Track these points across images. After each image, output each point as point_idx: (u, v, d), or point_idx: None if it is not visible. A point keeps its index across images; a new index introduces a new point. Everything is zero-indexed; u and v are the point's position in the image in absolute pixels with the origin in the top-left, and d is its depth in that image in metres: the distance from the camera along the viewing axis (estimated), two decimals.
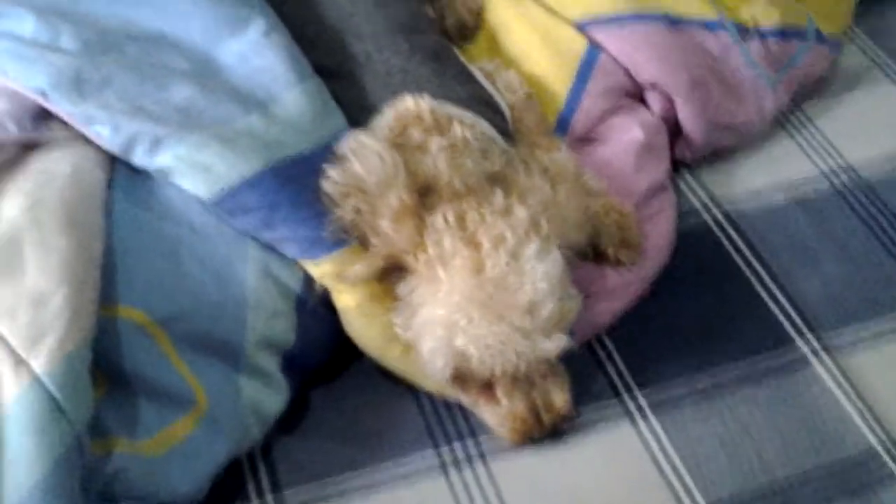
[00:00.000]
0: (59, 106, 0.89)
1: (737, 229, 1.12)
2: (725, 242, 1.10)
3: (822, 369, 1.00)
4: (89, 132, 0.89)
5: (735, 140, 1.20)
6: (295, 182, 0.89)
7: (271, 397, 0.91)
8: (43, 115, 0.91)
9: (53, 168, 0.87)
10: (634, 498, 0.90)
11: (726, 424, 0.95)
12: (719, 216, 1.13)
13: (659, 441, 0.94)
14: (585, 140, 1.13)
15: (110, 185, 0.89)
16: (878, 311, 1.05)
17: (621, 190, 1.07)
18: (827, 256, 1.10)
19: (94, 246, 0.84)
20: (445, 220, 0.86)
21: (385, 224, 0.86)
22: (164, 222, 0.89)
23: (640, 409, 0.96)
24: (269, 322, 0.90)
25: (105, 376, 0.83)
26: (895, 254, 1.11)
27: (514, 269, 0.84)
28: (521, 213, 0.87)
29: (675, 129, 1.16)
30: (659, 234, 1.08)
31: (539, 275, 0.85)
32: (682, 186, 1.17)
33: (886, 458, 0.94)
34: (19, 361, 0.76)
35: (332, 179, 0.88)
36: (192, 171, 0.88)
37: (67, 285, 0.80)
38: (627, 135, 1.12)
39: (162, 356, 0.85)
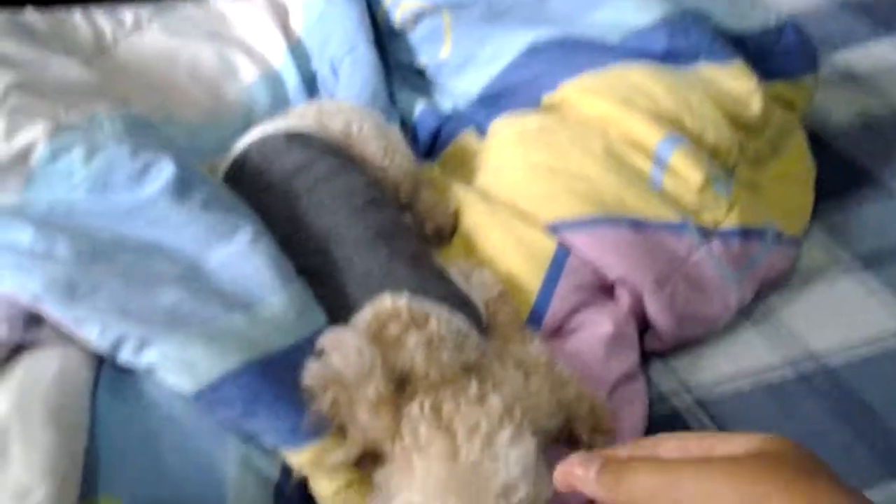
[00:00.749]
0: (51, 309, 0.95)
1: (707, 414, 1.14)
2: (696, 427, 1.12)
3: None
4: (79, 333, 0.94)
5: (702, 332, 1.23)
6: (275, 376, 0.93)
7: None
8: (34, 319, 0.96)
9: (41, 368, 0.92)
10: None
11: None
12: (689, 402, 1.16)
13: None
14: (557, 333, 1.17)
15: (96, 382, 0.93)
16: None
17: (592, 379, 1.10)
18: (795, 439, 1.10)
19: (78, 442, 0.87)
20: (421, 410, 0.89)
21: (362, 414, 0.89)
22: (147, 417, 0.92)
23: None
24: None
25: None
26: (860, 434, 1.12)
27: (489, 455, 0.86)
28: (495, 401, 0.90)
29: (644, 322, 1.21)
30: (631, 420, 1.10)
31: (512, 460, 0.87)
32: (653, 373, 1.20)
33: None
34: None
35: (312, 373, 0.91)
36: (177, 367, 0.92)
37: (50, 480, 0.82)
38: (597, 328, 1.16)
39: None
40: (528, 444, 0.89)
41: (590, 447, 1.05)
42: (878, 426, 1.13)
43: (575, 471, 0.64)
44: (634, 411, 1.12)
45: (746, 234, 1.29)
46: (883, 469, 1.08)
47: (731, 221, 1.28)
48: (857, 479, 1.07)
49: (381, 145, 1.27)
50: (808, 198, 1.46)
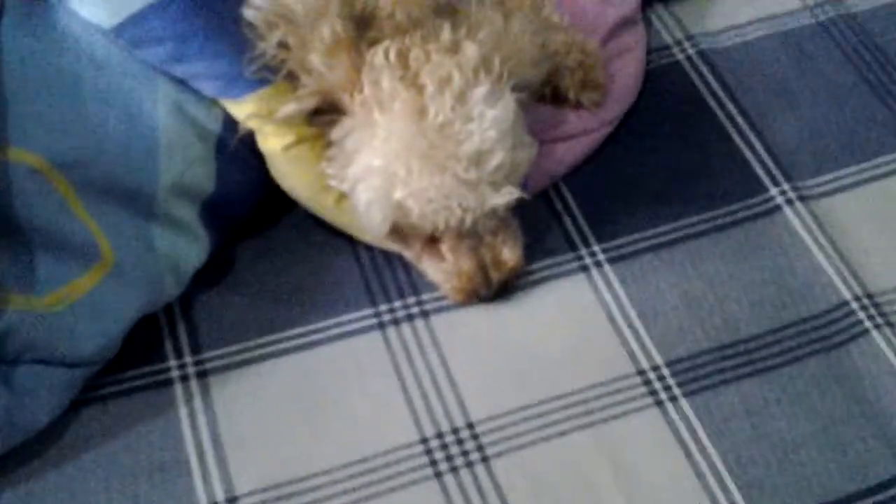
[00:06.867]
0: None
1: (712, 68, 1.03)
2: (698, 82, 1.01)
3: (795, 218, 0.92)
4: None
5: None
6: (210, 9, 0.79)
7: (189, 250, 0.83)
8: None
9: None
10: (586, 355, 0.84)
11: (689, 278, 0.89)
12: (693, 53, 1.04)
13: (615, 296, 0.88)
14: None
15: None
16: (857, 155, 0.98)
17: (585, 24, 0.98)
18: (807, 96, 1.02)
19: None
20: (386, 57, 0.77)
21: (316, 59, 0.77)
22: (62, 55, 0.79)
23: (597, 263, 0.89)
24: (184, 166, 0.82)
25: None
26: (879, 92, 1.02)
27: (461, 114, 0.76)
28: (470, 50, 0.78)
29: None
30: (626, 74, 0.99)
31: (488, 121, 0.76)
32: (654, 20, 1.07)
33: (860, 312, 0.87)
34: None
35: (256, 6, 0.78)
36: None
37: None
38: None
39: (62, 204, 0.77)
40: (507, 103, 0.78)
41: (578, 105, 0.94)
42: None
43: None
44: (630, 63, 1.00)
45: None
46: None
47: None
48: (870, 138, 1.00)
49: None
50: None
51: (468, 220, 0.78)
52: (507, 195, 0.78)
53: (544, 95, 0.94)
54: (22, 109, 0.77)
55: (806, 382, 0.83)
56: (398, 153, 0.76)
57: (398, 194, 0.76)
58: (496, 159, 0.76)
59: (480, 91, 0.77)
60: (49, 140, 0.77)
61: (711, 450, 0.79)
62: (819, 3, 1.09)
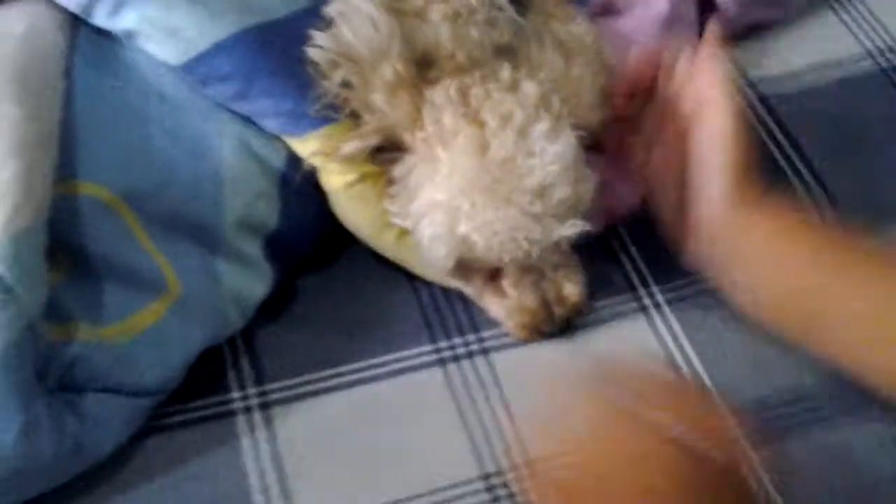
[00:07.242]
0: None
1: (771, 112, 1.02)
2: (758, 126, 1.01)
3: None
4: None
5: (773, 16, 1.10)
6: (275, 48, 0.81)
7: (252, 283, 0.83)
8: None
9: (5, 29, 0.79)
10: None
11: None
12: (753, 98, 1.04)
13: (677, 340, 0.86)
14: (606, 11, 1.03)
15: (71, 48, 0.81)
16: None
17: None
18: (868, 141, 1.01)
19: (51, 115, 0.77)
20: (447, 96, 0.78)
21: (379, 98, 0.78)
22: (131, 91, 0.81)
23: (656, 305, 0.88)
24: (248, 202, 0.82)
25: (67, 258, 0.76)
26: None
27: (522, 149, 0.76)
28: (530, 89, 0.79)
29: (706, 1, 1.06)
30: None
31: (550, 156, 0.77)
32: None
33: None
34: None
35: (320, 46, 0.79)
36: (160, 34, 0.80)
37: (18, 158, 0.72)
38: (651, 7, 1.01)
39: (129, 236, 0.77)
40: (568, 139, 0.78)
41: None
42: None
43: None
44: None
45: None
46: None
47: None
48: None
49: None
50: None
51: (534, 252, 0.78)
52: (573, 227, 0.78)
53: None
54: (91, 144, 0.78)
55: (873, 435, 0.81)
56: (462, 188, 0.76)
57: (462, 228, 0.76)
58: (560, 193, 0.77)
59: (541, 127, 0.77)
60: (116, 173, 0.78)
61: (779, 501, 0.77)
62: (881, 50, 1.09)
